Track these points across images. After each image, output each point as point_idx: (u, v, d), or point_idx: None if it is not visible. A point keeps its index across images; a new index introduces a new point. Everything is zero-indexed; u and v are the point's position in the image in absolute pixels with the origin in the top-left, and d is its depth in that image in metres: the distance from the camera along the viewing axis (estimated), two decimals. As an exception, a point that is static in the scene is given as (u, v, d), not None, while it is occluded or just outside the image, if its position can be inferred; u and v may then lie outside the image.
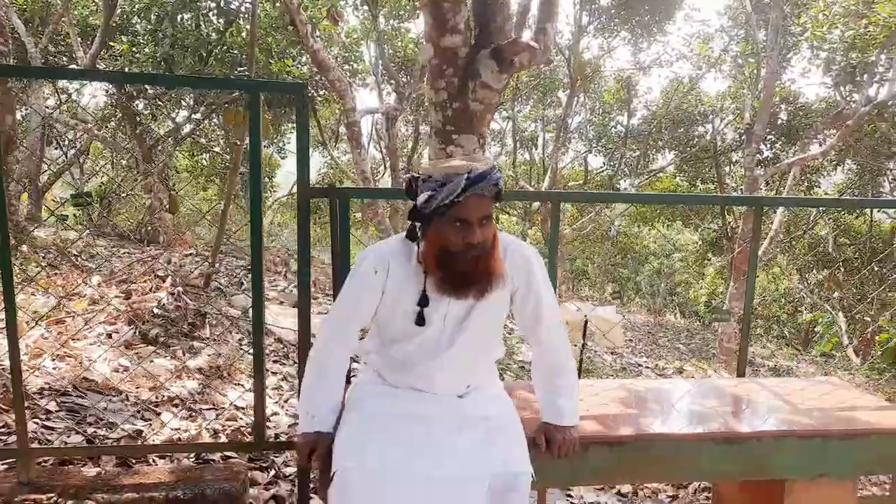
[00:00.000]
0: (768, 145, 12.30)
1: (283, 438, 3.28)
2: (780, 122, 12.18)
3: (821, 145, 11.07)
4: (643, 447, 1.91)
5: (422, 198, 1.56)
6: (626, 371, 6.67)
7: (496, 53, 2.70)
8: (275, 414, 3.68)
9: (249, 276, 7.32)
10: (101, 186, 13.37)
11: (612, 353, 7.43)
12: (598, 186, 15.49)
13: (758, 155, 10.26)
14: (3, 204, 1.95)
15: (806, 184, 12.59)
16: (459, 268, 1.58)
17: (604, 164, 15.90)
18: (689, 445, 1.93)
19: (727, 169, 14.83)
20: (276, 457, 3.03)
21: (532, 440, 1.81)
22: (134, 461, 2.71)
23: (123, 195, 12.54)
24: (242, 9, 9.86)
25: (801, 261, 14.31)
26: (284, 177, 17.84)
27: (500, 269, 1.63)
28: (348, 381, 1.96)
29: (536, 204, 14.47)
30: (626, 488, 3.41)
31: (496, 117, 15.68)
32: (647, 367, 7.28)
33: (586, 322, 5.39)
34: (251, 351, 4.68)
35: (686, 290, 17.57)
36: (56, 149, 14.55)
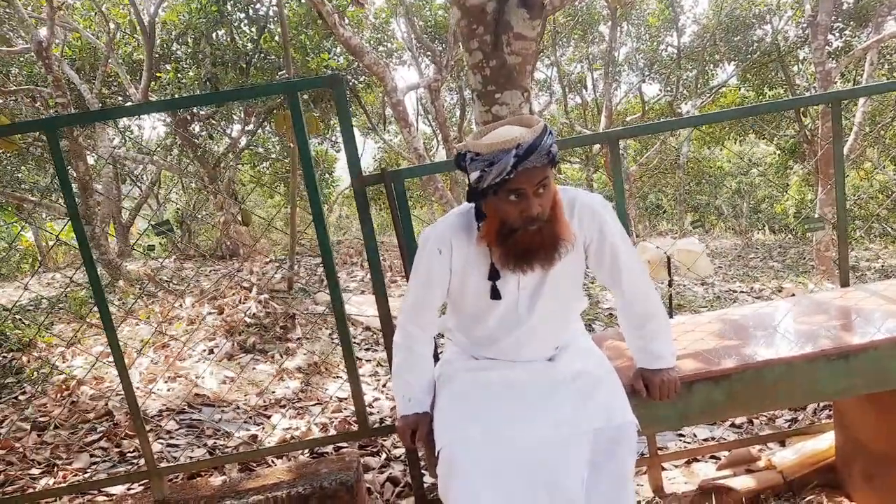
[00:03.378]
0: (837, 34, 11.37)
1: (387, 422, 3.37)
2: (845, 6, 11.22)
3: (897, 21, 10.13)
4: (751, 377, 1.82)
5: (473, 176, 1.50)
6: (720, 300, 6.42)
7: (524, 0, 2.60)
8: (376, 399, 3.79)
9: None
10: (177, 212, 14.05)
11: (702, 285, 7.17)
12: (657, 115, 14.86)
13: (827, 47, 9.52)
14: (87, 250, 2.06)
15: (886, 66, 11.59)
16: (521, 243, 1.50)
17: (660, 90, 15.22)
18: (801, 367, 1.83)
19: (795, 69, 13.86)
20: (385, 440, 3.11)
21: (631, 387, 1.77)
22: (254, 465, 2.85)
23: (199, 217, 13.12)
24: (271, 13, 9.97)
25: (894, 150, 13.27)
26: (343, 169, 18.14)
27: (566, 234, 1.54)
28: (437, 359, 1.97)
29: (597, 147, 14.06)
30: (740, 419, 3.30)
31: (539, 66, 15.25)
32: (743, 293, 6.99)
33: (669, 259, 5.21)
34: (342, 343, 4.82)
35: (771, 205, 16.69)
36: (131, 185, 15.34)
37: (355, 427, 3.23)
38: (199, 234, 14.11)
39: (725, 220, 17.94)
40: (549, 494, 1.53)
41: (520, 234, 1.49)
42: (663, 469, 2.68)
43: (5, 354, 4.41)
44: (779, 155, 15.21)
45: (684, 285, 7.06)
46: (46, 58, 6.02)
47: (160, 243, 13.61)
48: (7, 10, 6.16)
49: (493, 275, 1.61)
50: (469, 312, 1.75)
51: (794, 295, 5.33)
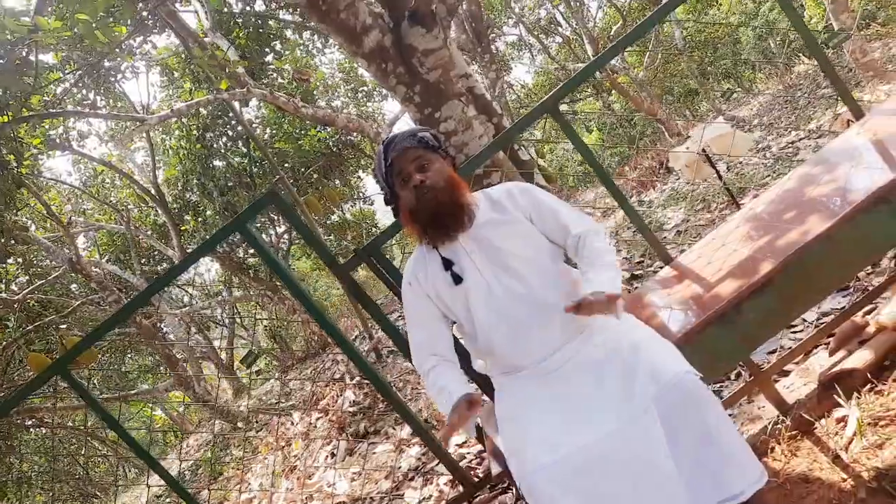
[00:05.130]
0: None
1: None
2: None
3: None
4: (793, 272, 1.67)
5: (378, 185, 1.77)
6: (781, 161, 6.00)
7: (414, 19, 2.55)
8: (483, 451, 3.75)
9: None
10: (266, 330, 14.65)
11: (757, 152, 6.73)
12: (638, 15, 14.24)
13: None
14: (147, 455, 2.15)
15: None
16: (422, 210, 1.67)
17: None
18: (843, 233, 1.66)
19: None
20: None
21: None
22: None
23: (284, 326, 13.58)
24: (247, 120, 10.30)
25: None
26: (383, 214, 18.46)
27: (465, 199, 1.71)
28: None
29: (598, 73, 13.61)
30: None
31: (506, 29, 14.99)
32: (802, 140, 6.51)
33: (706, 153, 4.95)
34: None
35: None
36: (215, 327, 16.12)
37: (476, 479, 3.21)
38: (293, 340, 14.58)
39: (761, 70, 16.89)
40: (643, 484, 1.45)
41: (418, 205, 1.68)
42: (783, 375, 2.50)
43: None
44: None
45: (739, 163, 6.65)
46: (81, 269, 6.44)
47: (265, 364, 14.22)
48: (31, 247, 6.65)
49: (447, 263, 1.71)
50: (464, 325, 1.77)
51: (848, 121, 4.90)
